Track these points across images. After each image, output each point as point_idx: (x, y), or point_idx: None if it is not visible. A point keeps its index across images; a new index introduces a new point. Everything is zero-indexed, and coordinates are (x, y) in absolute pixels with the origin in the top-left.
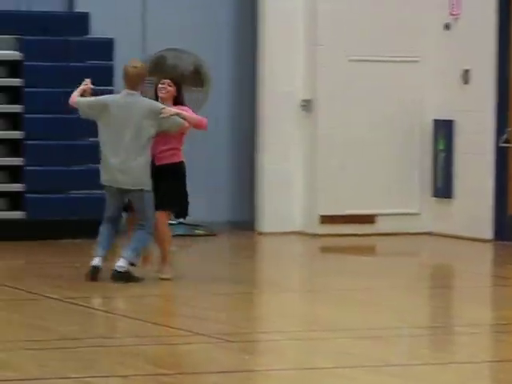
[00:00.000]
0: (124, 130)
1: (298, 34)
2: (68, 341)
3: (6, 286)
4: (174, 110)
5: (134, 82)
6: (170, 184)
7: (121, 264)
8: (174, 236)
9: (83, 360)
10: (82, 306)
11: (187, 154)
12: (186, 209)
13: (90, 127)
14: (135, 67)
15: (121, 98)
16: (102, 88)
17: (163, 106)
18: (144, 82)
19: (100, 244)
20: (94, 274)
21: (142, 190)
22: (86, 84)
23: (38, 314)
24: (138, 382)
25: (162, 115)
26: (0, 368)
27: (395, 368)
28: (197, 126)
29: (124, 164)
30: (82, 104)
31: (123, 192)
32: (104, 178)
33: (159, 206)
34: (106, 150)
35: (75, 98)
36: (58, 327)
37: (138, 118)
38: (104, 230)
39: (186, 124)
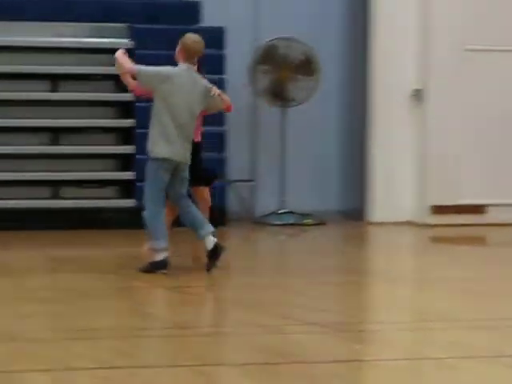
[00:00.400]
0: (184, 103)
1: (410, 21)
2: (181, 329)
3: (116, 273)
4: (218, 90)
5: (195, 56)
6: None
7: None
8: (283, 225)
9: (196, 349)
10: (193, 294)
11: (298, 144)
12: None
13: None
14: (199, 42)
15: (184, 71)
16: (213, 76)
17: (211, 85)
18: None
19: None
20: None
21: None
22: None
23: (149, 303)
24: (252, 371)
25: (211, 93)
26: (115, 356)
27: (510, 359)
28: (227, 108)
29: (181, 137)
30: (144, 72)
31: (176, 167)
32: (165, 151)
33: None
34: (166, 122)
35: (133, 65)
36: (169, 315)
37: (197, 93)
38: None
39: (225, 106)
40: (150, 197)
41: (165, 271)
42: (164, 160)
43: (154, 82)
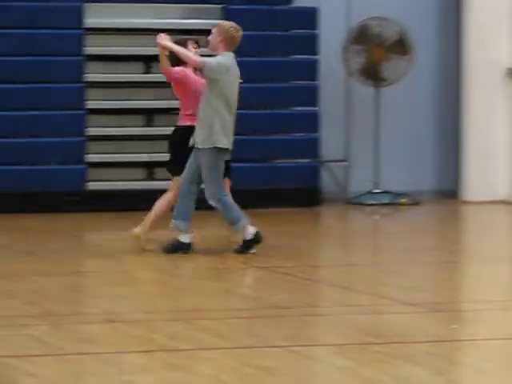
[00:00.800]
0: (235, 93)
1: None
2: (277, 310)
3: (212, 254)
4: None
5: (236, 45)
6: None
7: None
8: (377, 205)
9: (292, 329)
10: (289, 274)
11: (391, 124)
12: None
13: (295, 96)
14: (240, 31)
15: (234, 61)
16: (306, 57)
17: None
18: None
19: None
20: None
21: None
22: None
23: (246, 283)
24: (350, 350)
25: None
26: (211, 336)
27: None
28: None
29: (233, 125)
30: (209, 63)
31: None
32: (226, 142)
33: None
34: (223, 112)
35: (197, 56)
36: (266, 296)
37: (238, 81)
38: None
39: None
40: (218, 184)
41: (254, 251)
42: (226, 150)
43: (218, 72)
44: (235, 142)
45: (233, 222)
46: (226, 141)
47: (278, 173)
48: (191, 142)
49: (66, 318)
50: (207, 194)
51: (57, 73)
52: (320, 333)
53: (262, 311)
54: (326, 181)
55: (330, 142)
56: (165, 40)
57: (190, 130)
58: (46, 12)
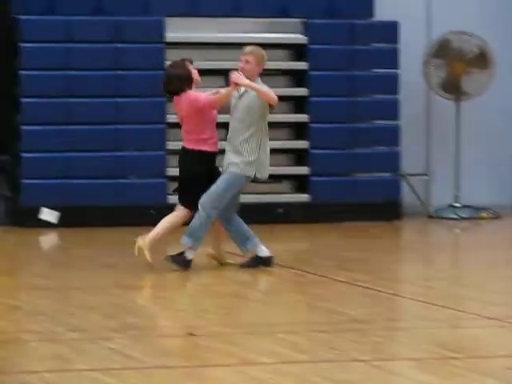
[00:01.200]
0: None
1: None
2: (357, 323)
3: (292, 268)
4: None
5: None
6: None
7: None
8: (458, 219)
9: (373, 343)
10: (369, 288)
11: (472, 138)
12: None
13: (375, 110)
14: None
15: None
16: (386, 71)
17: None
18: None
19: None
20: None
21: None
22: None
23: (325, 297)
24: (430, 365)
25: None
26: (292, 350)
27: None
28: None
29: None
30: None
31: None
32: (264, 175)
33: None
34: (265, 143)
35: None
36: (346, 310)
37: None
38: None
39: None
40: (222, 203)
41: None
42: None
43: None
44: (319, 156)
45: (190, 235)
46: (265, 173)
47: (359, 186)
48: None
49: (146, 331)
50: (202, 200)
51: (139, 87)
52: (400, 347)
53: (343, 325)
54: (407, 195)
55: (411, 155)
56: (243, 79)
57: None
58: (129, 26)
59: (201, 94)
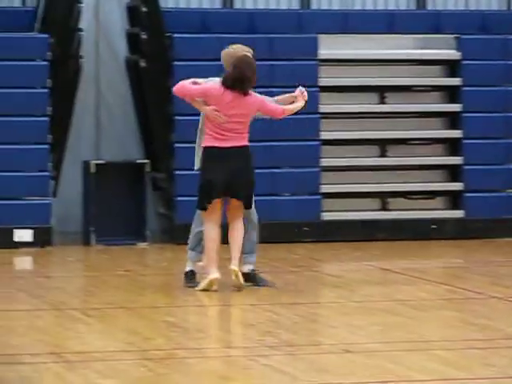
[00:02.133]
0: None
1: None
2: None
3: (447, 284)
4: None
5: None
6: None
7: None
8: None
9: None
10: None
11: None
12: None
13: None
14: None
15: None
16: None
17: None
18: None
19: None
20: None
21: None
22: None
23: (482, 313)
24: None
25: None
26: (448, 367)
27: None
28: None
29: None
30: None
31: None
32: None
33: None
34: None
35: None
36: (502, 326)
37: None
38: None
39: None
40: None
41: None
42: None
43: None
44: (472, 172)
45: (255, 251)
46: None
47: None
48: None
49: (302, 348)
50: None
51: None
52: None
53: (498, 342)
54: None
55: None
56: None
57: None
58: (284, 44)
59: (263, 97)
